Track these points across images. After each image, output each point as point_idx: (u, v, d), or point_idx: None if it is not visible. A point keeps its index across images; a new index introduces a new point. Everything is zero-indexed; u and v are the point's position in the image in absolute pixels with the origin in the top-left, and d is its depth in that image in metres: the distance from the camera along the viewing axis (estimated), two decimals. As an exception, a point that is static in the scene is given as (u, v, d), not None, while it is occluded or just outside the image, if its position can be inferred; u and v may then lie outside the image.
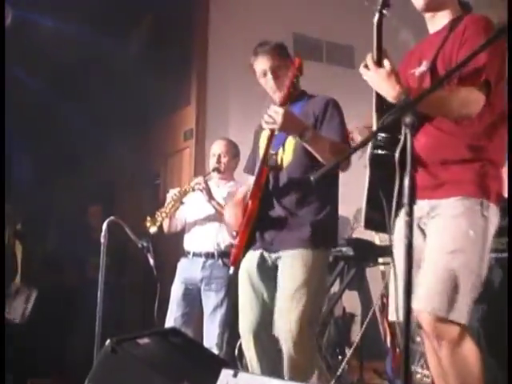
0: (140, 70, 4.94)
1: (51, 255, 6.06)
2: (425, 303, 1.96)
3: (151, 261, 3.21)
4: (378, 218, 2.03)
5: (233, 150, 3.90)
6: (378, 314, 4.13)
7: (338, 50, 5.37)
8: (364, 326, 3.75)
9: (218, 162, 3.82)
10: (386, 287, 4.00)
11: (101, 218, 4.90)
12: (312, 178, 1.70)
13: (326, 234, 2.62)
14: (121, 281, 5.13)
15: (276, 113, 2.42)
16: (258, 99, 4.65)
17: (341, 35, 5.39)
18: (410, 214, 1.61)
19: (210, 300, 3.71)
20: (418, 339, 4.39)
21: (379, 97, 2.08)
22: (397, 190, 1.97)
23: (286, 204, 2.62)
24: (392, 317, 2.08)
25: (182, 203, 3.69)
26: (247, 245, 2.63)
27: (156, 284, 3.17)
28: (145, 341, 2.60)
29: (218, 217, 3.72)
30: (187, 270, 3.79)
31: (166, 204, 3.67)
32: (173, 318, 3.71)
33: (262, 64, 2.67)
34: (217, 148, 3.88)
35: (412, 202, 1.61)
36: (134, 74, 4.95)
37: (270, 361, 2.60)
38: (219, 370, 2.80)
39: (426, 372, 3.96)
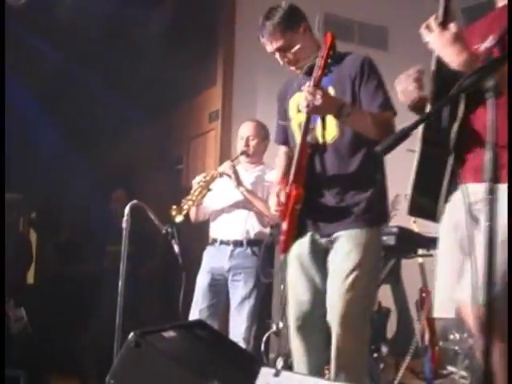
0: (163, 50, 4.78)
1: (67, 244, 5.91)
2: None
3: (176, 248, 3.02)
4: (425, 203, 1.93)
5: (262, 132, 3.71)
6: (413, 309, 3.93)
7: (371, 30, 5.14)
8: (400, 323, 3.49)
9: (247, 144, 3.65)
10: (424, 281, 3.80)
11: (124, 204, 4.92)
12: (378, 149, 1.49)
13: (377, 212, 2.46)
14: (142, 270, 4.94)
15: (312, 94, 2.24)
16: (287, 78, 4.58)
17: (374, 16, 5.15)
18: (491, 192, 1.38)
19: (238, 291, 3.54)
20: (451, 337, 4.23)
21: (439, 64, 1.88)
22: (449, 172, 1.83)
23: (334, 184, 2.45)
24: (438, 313, 1.97)
25: (209, 190, 3.50)
26: (296, 230, 2.48)
27: (181, 273, 2.95)
28: (170, 334, 2.43)
29: (246, 204, 3.56)
30: (214, 259, 3.62)
31: (192, 191, 3.49)
32: (198, 309, 3.55)
33: (268, 47, 2.54)
34: (245, 130, 3.69)
35: (493, 179, 1.38)
36: (156, 53, 4.81)
37: (319, 354, 2.48)
38: (249, 366, 2.64)
39: (463, 373, 3.78)
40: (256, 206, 3.53)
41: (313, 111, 2.30)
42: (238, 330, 3.50)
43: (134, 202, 2.94)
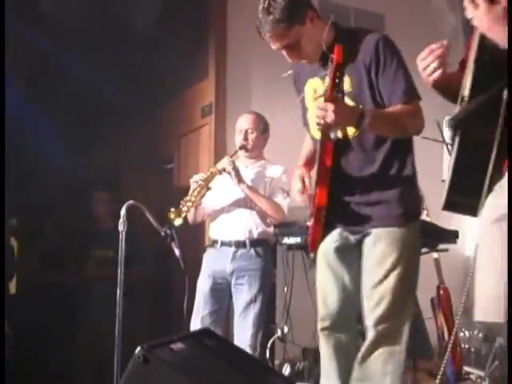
0: (150, 41, 4.60)
1: (50, 250, 5.65)
2: None
3: (177, 251, 2.82)
4: (463, 198, 1.81)
5: (261, 125, 3.53)
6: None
7: (367, 17, 4.97)
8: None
9: (245, 138, 3.46)
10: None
11: (108, 207, 4.68)
12: (452, 121, 1.30)
13: (410, 207, 2.28)
14: (131, 276, 4.72)
15: (323, 109, 2.02)
16: (282, 69, 4.40)
17: (370, 2, 4.99)
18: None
19: (242, 295, 3.37)
20: (461, 334, 4.07)
21: (481, 44, 1.69)
22: (492, 166, 1.69)
23: (360, 180, 2.28)
24: (483, 316, 1.84)
25: (208, 189, 3.32)
26: (324, 228, 2.31)
27: (184, 278, 2.75)
28: (178, 346, 2.26)
29: (248, 202, 3.39)
30: (215, 262, 3.43)
31: (190, 191, 3.29)
32: (199, 316, 3.36)
33: (272, 45, 2.27)
34: (243, 123, 3.50)
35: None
36: (143, 45, 4.60)
37: (348, 358, 2.30)
38: (263, 377, 2.46)
39: (480, 373, 3.63)
40: (258, 205, 3.36)
41: (326, 128, 2.10)
42: (243, 336, 3.33)
43: (131, 202, 2.72)
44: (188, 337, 2.39)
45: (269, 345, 3.78)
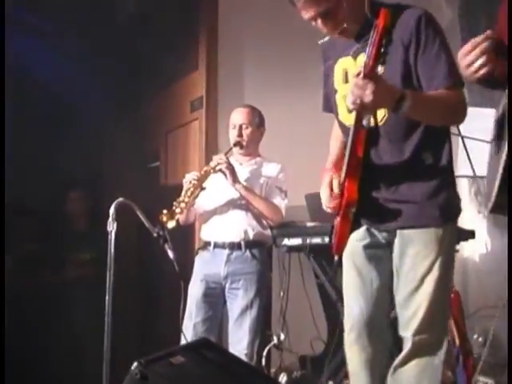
0: (135, 30, 4.42)
1: (27, 255, 5.41)
2: None
3: (170, 253, 2.65)
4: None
5: (256, 120, 3.39)
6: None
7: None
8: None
9: (240, 134, 3.33)
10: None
11: (83, 207, 4.58)
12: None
13: (446, 205, 2.10)
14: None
15: (361, 88, 1.82)
16: (278, 59, 4.24)
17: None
18: None
19: (238, 301, 3.23)
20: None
21: None
22: None
23: (389, 173, 2.10)
24: None
25: (203, 189, 3.14)
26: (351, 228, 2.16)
27: (180, 282, 2.58)
28: (178, 359, 2.07)
29: (243, 203, 3.25)
30: (208, 265, 3.29)
31: (183, 192, 3.13)
32: (192, 324, 3.20)
33: (306, 12, 2.07)
34: (237, 117, 3.37)
35: None
36: (128, 34, 4.42)
37: (380, 371, 2.16)
38: None
39: (488, 380, 3.51)
40: (255, 206, 3.23)
41: (362, 109, 1.89)
42: (239, 345, 3.19)
43: (120, 200, 2.53)
44: (187, 349, 2.25)
45: (264, 353, 3.60)
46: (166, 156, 4.78)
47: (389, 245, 2.15)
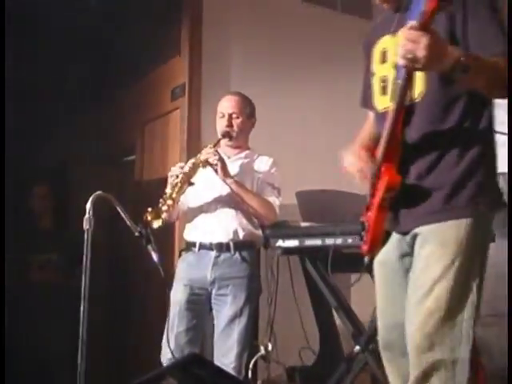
0: (111, 12, 4.16)
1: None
2: None
3: (155, 256, 2.38)
4: None
5: (247, 109, 3.16)
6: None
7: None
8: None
9: (229, 124, 3.09)
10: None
11: (47, 203, 4.32)
12: None
13: (479, 192, 1.82)
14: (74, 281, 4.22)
15: (414, 41, 1.56)
16: (266, 44, 4.00)
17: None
18: None
19: (225, 308, 2.99)
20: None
21: None
22: None
23: (420, 157, 1.85)
24: None
25: (191, 184, 2.90)
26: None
27: (165, 288, 2.31)
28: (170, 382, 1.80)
29: (233, 199, 3.01)
30: (193, 269, 3.03)
31: (169, 188, 2.89)
32: (173, 335, 2.94)
33: None
34: (227, 106, 3.13)
35: None
36: (103, 17, 4.17)
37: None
38: None
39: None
40: (248, 203, 2.98)
41: (412, 65, 1.61)
42: (226, 357, 2.95)
43: (99, 193, 2.24)
44: (176, 368, 2.02)
45: (251, 364, 3.33)
46: (143, 149, 4.50)
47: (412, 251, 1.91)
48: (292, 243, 3.02)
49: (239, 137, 3.11)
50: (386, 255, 1.97)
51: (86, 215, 2.24)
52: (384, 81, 1.90)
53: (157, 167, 4.21)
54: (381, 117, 1.89)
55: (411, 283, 1.86)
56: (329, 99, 4.16)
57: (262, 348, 3.43)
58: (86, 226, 2.23)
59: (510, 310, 1.72)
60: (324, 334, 3.38)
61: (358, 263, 2.83)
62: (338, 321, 3.34)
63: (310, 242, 2.93)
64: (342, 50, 4.05)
